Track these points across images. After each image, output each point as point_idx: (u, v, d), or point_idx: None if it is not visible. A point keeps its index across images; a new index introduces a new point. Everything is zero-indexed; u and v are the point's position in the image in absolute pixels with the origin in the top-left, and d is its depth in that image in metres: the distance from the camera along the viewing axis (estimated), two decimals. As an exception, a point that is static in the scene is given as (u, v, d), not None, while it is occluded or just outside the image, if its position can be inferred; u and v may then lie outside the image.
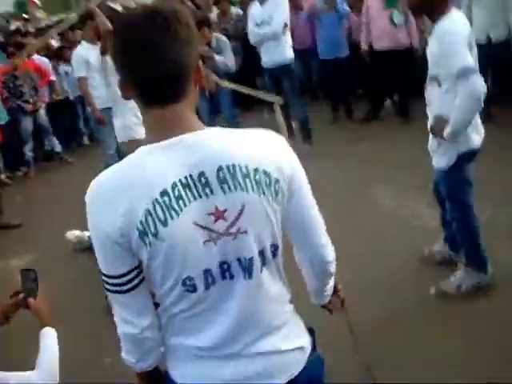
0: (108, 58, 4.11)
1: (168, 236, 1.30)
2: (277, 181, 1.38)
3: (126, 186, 1.32)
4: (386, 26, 7.14)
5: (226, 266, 1.38)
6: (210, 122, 6.96)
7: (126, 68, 1.35)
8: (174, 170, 1.32)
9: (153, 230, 1.30)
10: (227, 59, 6.59)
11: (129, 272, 1.37)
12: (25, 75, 8.33)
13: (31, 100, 8.29)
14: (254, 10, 6.62)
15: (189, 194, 1.31)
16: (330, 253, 1.60)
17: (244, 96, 6.29)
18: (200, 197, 1.32)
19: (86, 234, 5.39)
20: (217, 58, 6.35)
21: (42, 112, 8.56)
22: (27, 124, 8.38)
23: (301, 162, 1.47)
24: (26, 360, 2.23)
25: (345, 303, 1.88)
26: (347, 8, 7.56)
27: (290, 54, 6.58)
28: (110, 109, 6.41)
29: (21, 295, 2.35)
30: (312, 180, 1.50)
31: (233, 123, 7.02)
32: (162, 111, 1.35)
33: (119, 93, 1.40)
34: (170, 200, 1.30)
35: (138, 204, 1.29)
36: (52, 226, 6.20)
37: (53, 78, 9.30)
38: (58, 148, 8.81)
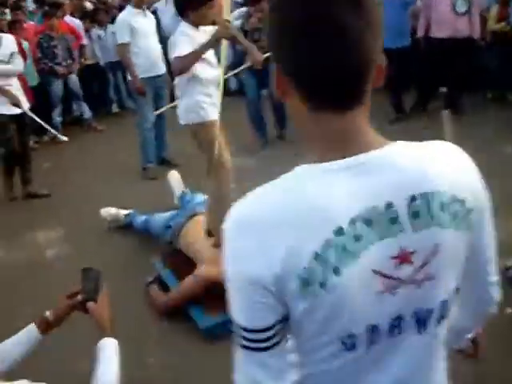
0: (201, 31, 3.75)
1: (339, 287, 0.97)
2: (470, 210, 1.05)
3: (288, 219, 0.97)
4: (447, 12, 6.74)
5: (398, 321, 1.05)
6: (257, 98, 6.62)
7: (295, 57, 0.99)
8: (352, 200, 0.98)
9: (320, 278, 0.97)
10: None
11: (274, 325, 1.02)
12: (60, 36, 7.97)
13: (64, 63, 7.92)
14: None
15: (371, 232, 0.98)
16: (498, 292, 1.28)
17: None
18: (385, 236, 0.99)
19: (122, 212, 5.11)
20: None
21: (74, 76, 8.21)
22: (58, 87, 8.06)
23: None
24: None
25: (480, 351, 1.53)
26: None
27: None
28: (151, 78, 6.11)
29: (79, 297, 2.07)
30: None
31: (280, 103, 6.70)
32: (336, 119, 1.01)
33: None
34: (347, 240, 0.97)
35: (303, 244, 0.96)
36: (82, 198, 5.92)
37: (84, 41, 8.90)
38: (88, 114, 8.49)
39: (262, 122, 6.78)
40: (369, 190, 0.98)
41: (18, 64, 5.76)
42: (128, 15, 6.02)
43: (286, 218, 0.97)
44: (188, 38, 3.66)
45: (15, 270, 4.63)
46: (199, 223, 4.18)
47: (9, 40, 5.76)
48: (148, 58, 6.08)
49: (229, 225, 1.02)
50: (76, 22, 8.86)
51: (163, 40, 6.39)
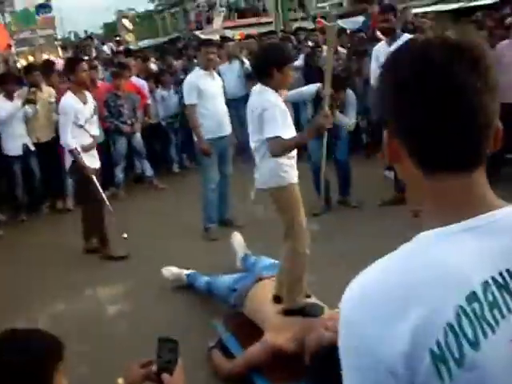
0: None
1: (478, 363, 0.85)
2: None
3: (415, 288, 0.88)
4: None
5: None
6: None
7: (411, 118, 0.94)
8: (482, 262, 0.89)
9: (456, 354, 0.84)
10: (350, 115, 6.49)
11: None
12: (126, 95, 8.18)
13: (129, 121, 8.10)
14: (380, 50, 6.23)
15: (507, 298, 0.88)
16: None
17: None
18: None
19: (184, 272, 5.04)
20: (337, 115, 6.26)
21: (138, 135, 8.37)
22: (122, 145, 8.22)
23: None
24: None
25: None
26: None
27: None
28: (217, 139, 6.15)
29: (153, 367, 1.97)
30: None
31: (345, 168, 6.66)
32: (457, 181, 0.96)
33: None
34: (482, 308, 0.87)
35: (433, 316, 0.86)
36: (143, 256, 5.89)
37: (148, 101, 9.11)
38: (150, 172, 8.58)
39: (326, 186, 6.72)
40: (500, 252, 0.90)
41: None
42: (196, 77, 6.12)
43: (412, 285, 0.88)
44: (280, 109, 3.63)
45: (77, 325, 4.60)
46: (266, 288, 4.07)
47: (91, 97, 6.02)
48: (215, 120, 6.14)
49: (348, 297, 0.94)
50: (141, 82, 9.10)
51: (226, 101, 6.52)
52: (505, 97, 6.56)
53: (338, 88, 6.40)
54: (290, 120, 3.77)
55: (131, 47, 19.90)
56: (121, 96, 8.09)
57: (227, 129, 6.32)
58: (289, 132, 3.68)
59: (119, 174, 8.25)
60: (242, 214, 6.74)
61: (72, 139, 5.64)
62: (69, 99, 5.72)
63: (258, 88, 3.78)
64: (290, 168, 3.71)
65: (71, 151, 5.68)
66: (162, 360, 1.96)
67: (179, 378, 1.95)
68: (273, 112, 3.60)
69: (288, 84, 3.79)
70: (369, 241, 5.70)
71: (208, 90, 6.08)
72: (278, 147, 3.55)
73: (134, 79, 9.02)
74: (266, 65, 3.67)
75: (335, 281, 4.67)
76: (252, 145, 3.86)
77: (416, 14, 13.21)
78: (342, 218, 6.41)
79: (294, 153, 3.79)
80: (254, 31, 16.36)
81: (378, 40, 8.52)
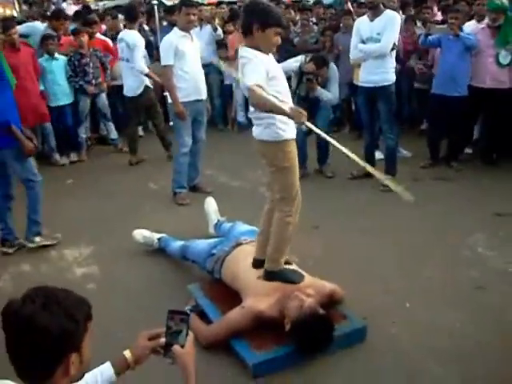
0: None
1: None
2: None
3: None
4: (489, 64, 6.69)
5: None
6: (303, 140, 6.51)
7: None
8: None
9: None
10: (333, 90, 6.51)
11: None
12: (91, 53, 7.89)
13: (94, 81, 7.84)
14: (362, 25, 6.19)
15: None
16: None
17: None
18: None
19: (156, 235, 4.96)
20: (320, 91, 6.35)
21: (103, 96, 8.12)
22: (85, 105, 7.96)
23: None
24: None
25: None
26: (473, 38, 6.68)
27: (392, 76, 6.16)
28: (192, 102, 6.04)
29: (161, 339, 1.91)
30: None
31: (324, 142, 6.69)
32: None
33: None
34: None
35: None
36: (110, 218, 5.77)
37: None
38: (114, 135, 8.37)
39: (305, 156, 6.76)
40: None
41: None
42: (175, 37, 5.96)
43: None
44: (262, 61, 3.51)
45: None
46: (245, 253, 4.02)
47: None
48: (192, 82, 6.01)
49: None
50: (108, 42, 8.79)
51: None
52: (478, 81, 6.75)
53: (320, 65, 6.39)
54: (283, 82, 3.64)
55: (91, 5, 19.27)
56: (85, 54, 7.78)
57: (203, 93, 6.20)
58: (280, 91, 3.56)
59: (81, 133, 8.02)
60: (209, 179, 6.73)
61: None
62: None
63: (241, 49, 3.62)
64: (284, 123, 3.52)
65: None
66: (171, 332, 1.91)
67: (190, 351, 1.90)
68: (253, 62, 3.43)
69: (271, 48, 3.61)
70: (339, 210, 5.79)
71: (186, 52, 5.93)
72: (257, 97, 3.30)
73: (102, 38, 8.71)
74: (250, 21, 3.51)
75: (311, 247, 4.77)
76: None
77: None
78: (318, 186, 6.51)
79: (290, 103, 3.62)
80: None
81: (350, 13, 8.56)
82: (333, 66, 6.70)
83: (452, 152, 7.15)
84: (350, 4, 9.15)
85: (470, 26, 7.02)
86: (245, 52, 3.53)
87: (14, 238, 5.17)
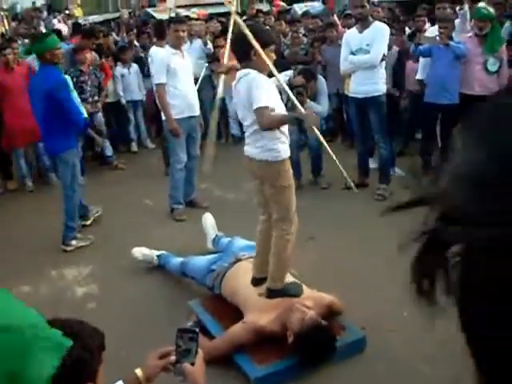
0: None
1: None
2: None
3: None
4: (477, 72, 6.78)
5: None
6: (298, 141, 6.60)
7: None
8: None
9: None
10: (322, 103, 6.61)
11: None
12: (90, 71, 7.87)
13: (90, 99, 7.86)
14: (351, 36, 6.28)
15: None
16: None
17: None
18: None
19: (155, 252, 5.01)
20: (310, 104, 6.37)
21: (99, 114, 8.07)
22: None
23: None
24: None
25: None
26: (463, 46, 6.72)
27: (383, 86, 6.24)
28: (186, 119, 6.10)
29: (172, 357, 1.96)
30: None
31: (316, 152, 6.75)
32: None
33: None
34: None
35: None
36: (110, 237, 5.80)
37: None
38: (110, 152, 8.36)
39: (300, 168, 6.83)
40: None
41: None
42: (166, 55, 6.03)
43: None
44: (267, 82, 3.62)
45: (44, 308, 4.49)
46: (245, 269, 4.09)
47: None
48: (185, 99, 6.08)
49: None
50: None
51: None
52: (467, 88, 6.83)
53: (309, 78, 6.48)
54: (278, 98, 3.76)
55: (80, 21, 19.37)
56: (84, 72, 7.75)
57: (196, 109, 6.27)
58: (279, 108, 3.69)
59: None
60: (204, 194, 6.80)
61: None
62: None
63: (242, 72, 3.74)
64: (283, 142, 3.68)
65: None
66: (181, 350, 1.95)
67: (201, 368, 1.94)
68: (260, 84, 3.58)
69: (267, 68, 3.76)
70: (334, 220, 5.84)
71: (178, 69, 6.00)
72: (266, 118, 3.51)
73: (95, 56, 8.75)
74: (248, 46, 3.67)
75: (307, 259, 4.82)
76: (246, 129, 3.84)
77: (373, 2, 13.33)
78: (313, 197, 6.56)
79: (286, 128, 3.77)
80: (203, 13, 16.02)
81: (333, 25, 8.65)
82: (321, 78, 6.81)
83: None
84: (335, 16, 9.25)
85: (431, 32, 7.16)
86: (253, 74, 3.63)
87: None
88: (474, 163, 0.47)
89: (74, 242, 5.60)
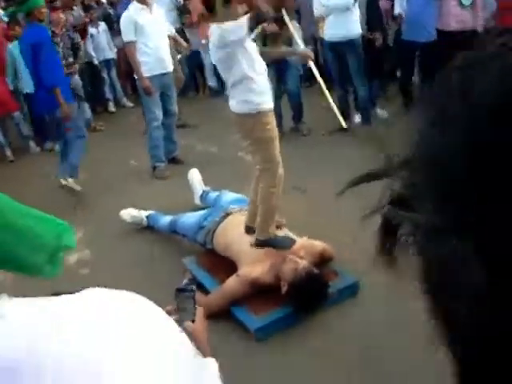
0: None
1: None
2: None
3: None
4: (452, 7, 6.73)
5: None
6: (277, 91, 6.54)
7: None
8: None
9: None
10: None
11: None
12: (64, 33, 7.63)
13: (64, 61, 7.64)
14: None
15: None
16: None
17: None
18: None
19: (143, 213, 5.01)
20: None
21: (76, 77, 7.92)
22: None
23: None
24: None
25: None
26: None
27: (358, 28, 6.20)
28: (158, 76, 6.01)
29: (173, 316, 1.99)
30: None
31: (296, 98, 6.72)
32: None
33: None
34: None
35: None
36: (94, 199, 5.78)
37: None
38: (88, 115, 8.27)
39: (281, 117, 6.81)
40: None
41: None
42: (133, 12, 5.89)
43: None
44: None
45: (36, 279, 4.50)
46: (236, 222, 4.12)
47: None
48: (155, 56, 5.97)
49: None
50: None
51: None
52: (443, 24, 6.79)
53: (282, 24, 6.33)
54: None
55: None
56: (57, 33, 7.49)
57: (169, 65, 6.16)
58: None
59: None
60: (187, 149, 6.78)
61: None
62: None
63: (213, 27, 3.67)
64: (259, 94, 3.63)
65: None
66: (181, 309, 1.98)
67: (201, 325, 1.97)
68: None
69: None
70: (319, 166, 5.87)
71: (146, 25, 5.87)
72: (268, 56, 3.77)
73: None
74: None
75: (295, 207, 4.86)
76: (226, 80, 3.80)
77: None
78: (295, 145, 6.56)
79: (261, 79, 3.72)
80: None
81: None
82: (294, 23, 6.68)
83: None
84: None
85: None
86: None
87: None
88: (429, 144, 0.43)
89: (70, 180, 6.01)
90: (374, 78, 6.93)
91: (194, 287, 2.02)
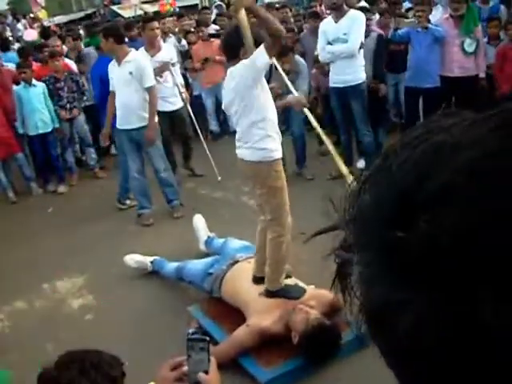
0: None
1: None
2: None
3: None
4: (455, 53, 6.81)
5: None
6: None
7: None
8: None
9: None
10: (302, 82, 6.39)
11: None
12: (66, 77, 7.63)
13: (69, 105, 7.68)
14: (327, 26, 6.23)
15: None
16: None
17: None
18: None
19: (148, 258, 4.95)
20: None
21: (81, 119, 7.88)
22: (65, 130, 7.71)
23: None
24: None
25: None
26: (441, 29, 6.74)
27: (362, 74, 6.22)
28: (122, 131, 6.00)
29: (184, 368, 1.93)
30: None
31: (300, 142, 6.72)
32: None
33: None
34: None
35: None
36: (101, 248, 5.67)
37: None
38: (93, 161, 8.09)
39: (284, 160, 6.76)
40: None
41: None
42: (110, 65, 6.01)
43: None
44: None
45: (40, 324, 4.42)
46: (243, 270, 4.06)
47: None
48: (119, 111, 5.95)
49: None
50: (70, 63, 8.61)
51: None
52: (446, 70, 6.85)
53: (284, 53, 6.13)
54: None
55: (45, 24, 19.09)
56: (59, 78, 7.54)
57: (134, 121, 5.91)
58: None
59: (69, 158, 7.83)
60: (190, 193, 6.77)
61: None
62: None
63: (234, 68, 3.70)
64: (274, 140, 3.65)
65: None
66: (193, 360, 1.92)
67: (215, 375, 1.92)
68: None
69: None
70: (324, 212, 5.80)
71: (115, 80, 5.93)
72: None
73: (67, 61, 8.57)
74: (238, 46, 3.64)
75: (301, 254, 4.80)
76: (240, 124, 3.75)
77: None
78: (300, 189, 6.48)
79: (276, 126, 3.75)
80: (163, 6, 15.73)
81: (319, 16, 8.55)
82: (300, 60, 6.70)
83: None
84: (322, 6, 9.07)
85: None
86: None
87: None
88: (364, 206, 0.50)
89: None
90: (379, 124, 6.95)
91: (207, 338, 1.96)
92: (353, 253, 0.51)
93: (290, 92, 6.09)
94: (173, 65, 6.72)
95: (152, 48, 6.26)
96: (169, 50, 6.58)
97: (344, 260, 0.53)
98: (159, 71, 6.37)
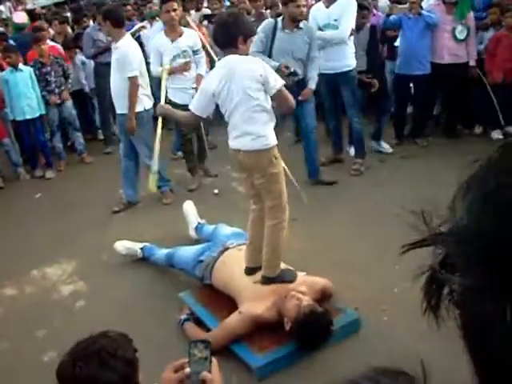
0: None
1: None
2: None
3: None
4: (446, 40, 6.82)
5: None
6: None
7: None
8: None
9: None
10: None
11: None
12: (52, 61, 7.52)
13: (57, 90, 7.59)
14: (318, 12, 6.19)
15: None
16: None
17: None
18: None
19: (138, 245, 4.93)
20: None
21: (69, 104, 7.78)
22: (53, 116, 7.62)
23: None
24: None
25: None
26: (434, 15, 6.78)
27: (353, 61, 6.18)
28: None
29: (187, 370, 1.94)
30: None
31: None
32: None
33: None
34: None
35: None
36: (90, 234, 5.64)
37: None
38: (80, 146, 8.03)
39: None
40: None
41: None
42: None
43: None
44: None
45: (30, 311, 4.40)
46: (234, 257, 4.06)
47: None
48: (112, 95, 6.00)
49: None
50: (57, 47, 8.53)
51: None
52: (436, 57, 6.86)
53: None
54: None
55: (29, 7, 18.79)
56: (45, 63, 7.42)
57: (118, 107, 5.96)
58: None
59: (58, 143, 7.75)
60: (180, 178, 6.72)
61: None
62: None
63: (232, 57, 3.65)
64: (271, 128, 3.68)
65: None
66: (195, 360, 1.93)
67: (218, 375, 1.92)
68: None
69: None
70: (314, 199, 5.78)
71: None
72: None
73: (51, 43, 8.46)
74: (236, 34, 3.60)
75: (291, 240, 4.80)
76: (238, 113, 3.66)
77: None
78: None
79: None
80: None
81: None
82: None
83: (416, 129, 7.28)
84: None
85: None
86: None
87: None
88: (469, 228, 0.53)
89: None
90: (383, 113, 6.92)
91: (209, 340, 1.98)
92: (452, 271, 0.55)
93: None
94: (195, 52, 6.30)
95: (172, 32, 6.07)
96: (191, 35, 6.26)
97: (442, 278, 0.56)
98: (180, 71, 6.19)
